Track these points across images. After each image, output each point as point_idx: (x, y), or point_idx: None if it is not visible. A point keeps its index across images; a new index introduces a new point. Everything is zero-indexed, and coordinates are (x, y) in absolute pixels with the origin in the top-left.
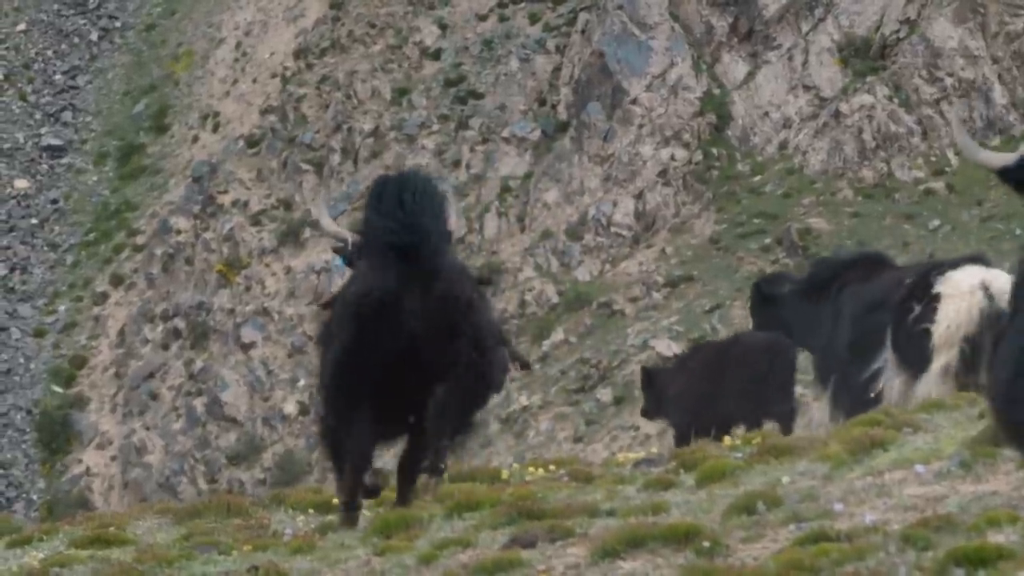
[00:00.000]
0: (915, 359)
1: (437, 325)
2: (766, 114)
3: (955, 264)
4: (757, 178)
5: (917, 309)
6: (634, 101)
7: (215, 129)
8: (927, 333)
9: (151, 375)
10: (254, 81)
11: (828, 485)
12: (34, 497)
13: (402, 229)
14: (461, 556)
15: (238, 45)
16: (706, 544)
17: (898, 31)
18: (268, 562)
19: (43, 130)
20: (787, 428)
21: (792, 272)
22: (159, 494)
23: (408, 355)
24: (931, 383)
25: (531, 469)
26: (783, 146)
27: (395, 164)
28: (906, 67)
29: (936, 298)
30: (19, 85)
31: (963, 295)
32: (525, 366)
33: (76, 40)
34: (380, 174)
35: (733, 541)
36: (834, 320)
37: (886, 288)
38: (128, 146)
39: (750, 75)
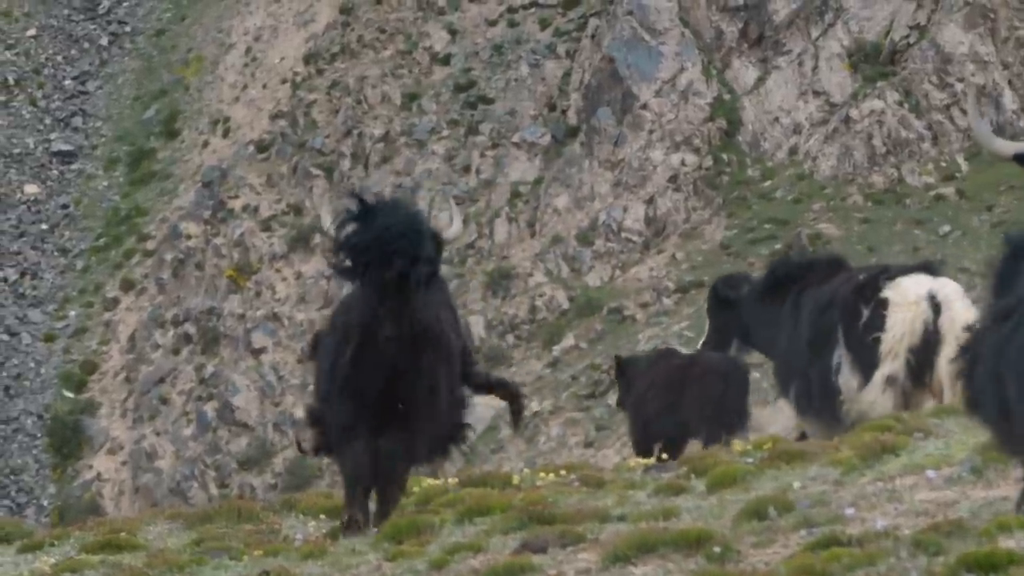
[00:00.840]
0: (865, 365)
1: (411, 357)
2: (776, 119)
3: (905, 271)
4: (767, 183)
5: (865, 313)
6: (644, 106)
7: (225, 134)
8: (878, 341)
9: (161, 380)
10: (264, 86)
11: (839, 490)
12: (45, 502)
13: (377, 264)
14: (472, 561)
15: (248, 50)
16: (717, 549)
17: (908, 36)
18: (279, 567)
19: (53, 135)
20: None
21: (749, 274)
22: (170, 499)
23: (386, 381)
24: (874, 392)
25: (542, 474)
26: (793, 151)
27: (405, 169)
28: (916, 72)
29: (884, 303)
30: (29, 90)
31: (909, 305)
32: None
33: (86, 45)
34: (354, 195)
35: (744, 546)
36: (793, 322)
37: (836, 287)
38: (138, 151)
39: (760, 80)
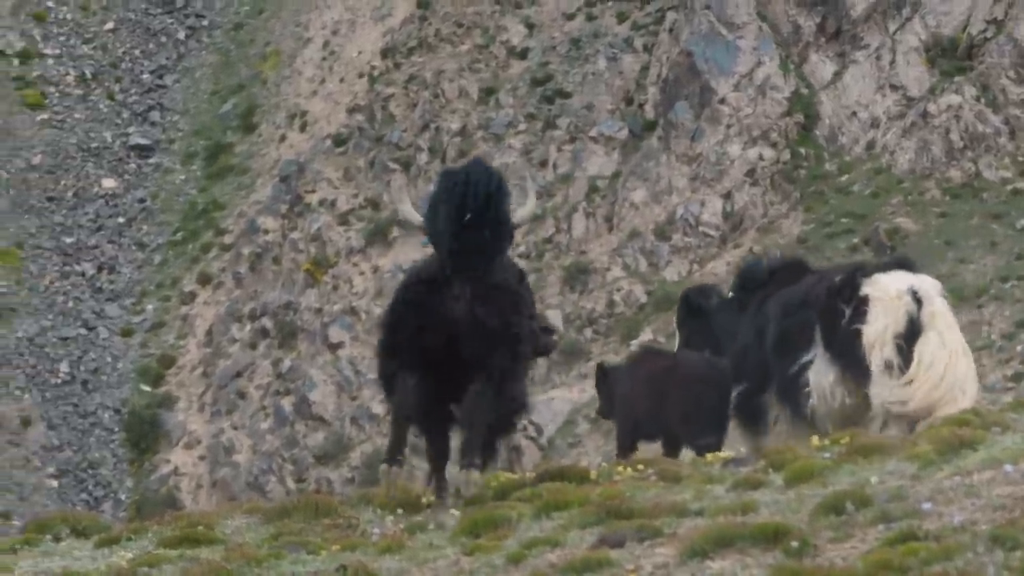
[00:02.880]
0: (851, 360)
1: (478, 316)
2: (854, 114)
3: (882, 267)
4: (845, 178)
5: (847, 311)
6: (722, 100)
7: (302, 128)
8: (859, 333)
9: (239, 374)
10: (341, 80)
11: (916, 485)
12: (122, 497)
13: (456, 230)
14: (550, 555)
15: (325, 44)
16: (795, 544)
17: (985, 31)
18: (357, 562)
19: (131, 129)
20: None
21: (718, 285)
22: (247, 493)
23: (449, 342)
24: (879, 384)
25: (619, 468)
26: (871, 146)
27: None
28: (993, 67)
29: (864, 300)
30: (107, 84)
31: (892, 299)
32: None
33: (163, 39)
34: (446, 167)
35: (822, 541)
36: (755, 325)
37: (808, 288)
38: (215, 145)
39: (837, 75)
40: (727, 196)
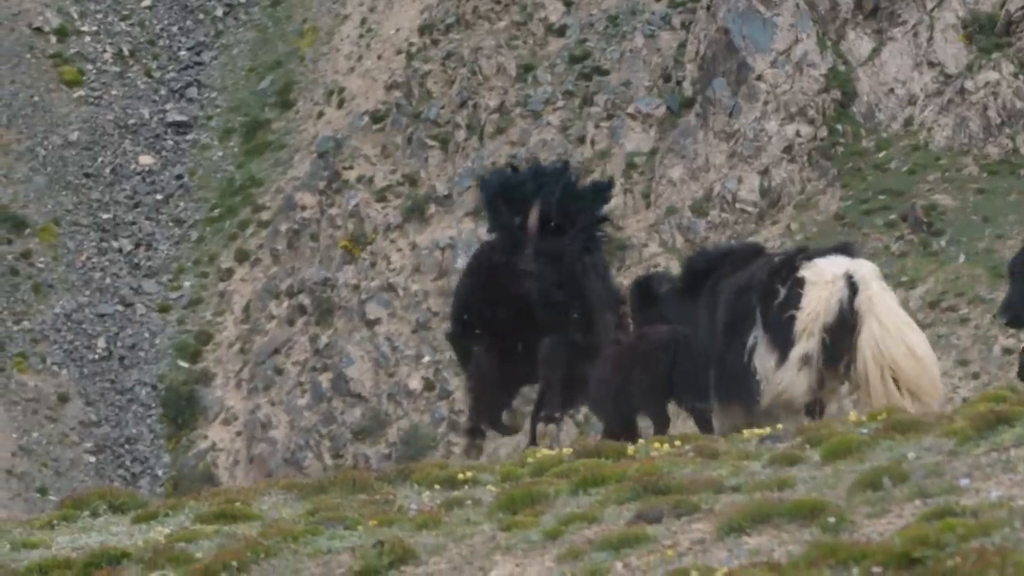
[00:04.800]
0: (782, 345)
1: (545, 284)
2: (891, 90)
3: (822, 252)
4: (882, 154)
5: (782, 292)
6: (759, 77)
7: (340, 105)
8: (793, 320)
9: (276, 351)
10: (379, 57)
11: (954, 461)
12: (159, 472)
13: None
14: (587, 531)
15: (363, 21)
16: (832, 520)
17: (1023, 7)
18: (394, 537)
19: (168, 106)
20: (703, 425)
21: (669, 272)
22: (284, 469)
23: (520, 310)
24: (790, 371)
25: (656, 444)
26: (908, 122)
27: (520, 140)
28: None
29: (800, 282)
30: (144, 61)
31: (825, 284)
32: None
33: (201, 16)
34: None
35: (859, 516)
36: (710, 309)
37: (754, 272)
38: (253, 122)
39: (875, 51)
40: (764, 173)
